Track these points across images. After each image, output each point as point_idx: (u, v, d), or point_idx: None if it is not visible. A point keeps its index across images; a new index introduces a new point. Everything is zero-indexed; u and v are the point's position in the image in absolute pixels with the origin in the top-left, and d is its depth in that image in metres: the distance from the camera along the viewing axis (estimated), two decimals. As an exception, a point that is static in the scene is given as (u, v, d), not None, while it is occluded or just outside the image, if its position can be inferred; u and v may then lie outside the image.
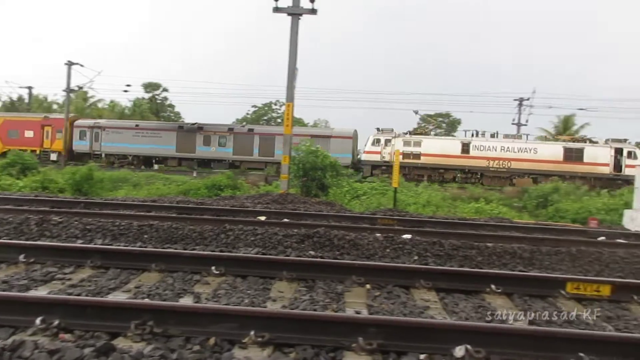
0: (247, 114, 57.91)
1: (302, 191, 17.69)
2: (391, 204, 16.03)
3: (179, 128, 36.37)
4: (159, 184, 24.50)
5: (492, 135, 33.22)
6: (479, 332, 3.36)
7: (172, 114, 57.62)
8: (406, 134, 33.89)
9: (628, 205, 15.65)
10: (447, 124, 58.86)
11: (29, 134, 37.88)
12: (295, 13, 17.37)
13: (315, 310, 4.20)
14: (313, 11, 17.30)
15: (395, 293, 4.90)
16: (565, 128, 45.12)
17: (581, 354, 3.18)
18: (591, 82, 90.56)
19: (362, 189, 21.69)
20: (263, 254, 6.43)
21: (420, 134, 34.54)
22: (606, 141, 32.25)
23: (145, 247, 6.65)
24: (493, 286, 5.03)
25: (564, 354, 3.23)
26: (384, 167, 32.40)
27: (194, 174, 30.61)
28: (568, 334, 3.46)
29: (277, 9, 17.39)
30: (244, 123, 36.85)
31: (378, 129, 33.85)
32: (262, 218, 9.74)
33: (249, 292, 4.73)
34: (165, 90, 57.97)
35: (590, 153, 31.14)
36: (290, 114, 17.56)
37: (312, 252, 6.74)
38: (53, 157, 37.37)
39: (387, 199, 18.12)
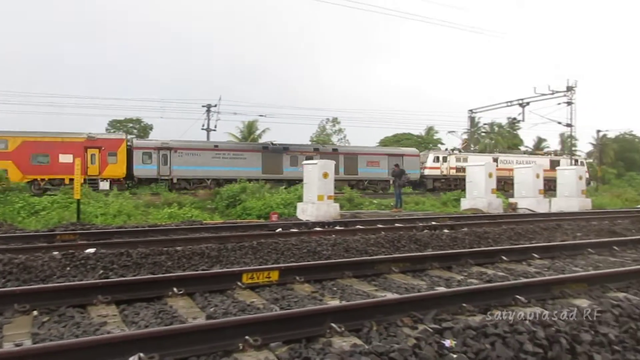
0: None
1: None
2: (75, 218, 14.68)
3: (264, 149, 35.59)
4: None
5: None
6: (152, 337, 3.33)
7: None
8: (459, 151, 42.26)
9: (300, 199, 18.15)
10: (138, 130, 57.31)
11: (65, 158, 29.13)
12: None
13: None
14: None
15: (68, 314, 4.46)
16: (249, 132, 49.64)
17: (247, 337, 3.50)
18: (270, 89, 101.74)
19: (40, 203, 19.07)
20: None
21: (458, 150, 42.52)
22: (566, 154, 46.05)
23: None
24: (175, 289, 5.09)
25: (233, 340, 3.50)
26: (442, 180, 39.64)
27: None
28: (236, 321, 3.74)
29: None
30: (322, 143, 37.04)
31: (428, 148, 41.53)
32: None
33: None
34: None
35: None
36: None
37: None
38: (104, 185, 30.20)
39: (71, 212, 16.48)
